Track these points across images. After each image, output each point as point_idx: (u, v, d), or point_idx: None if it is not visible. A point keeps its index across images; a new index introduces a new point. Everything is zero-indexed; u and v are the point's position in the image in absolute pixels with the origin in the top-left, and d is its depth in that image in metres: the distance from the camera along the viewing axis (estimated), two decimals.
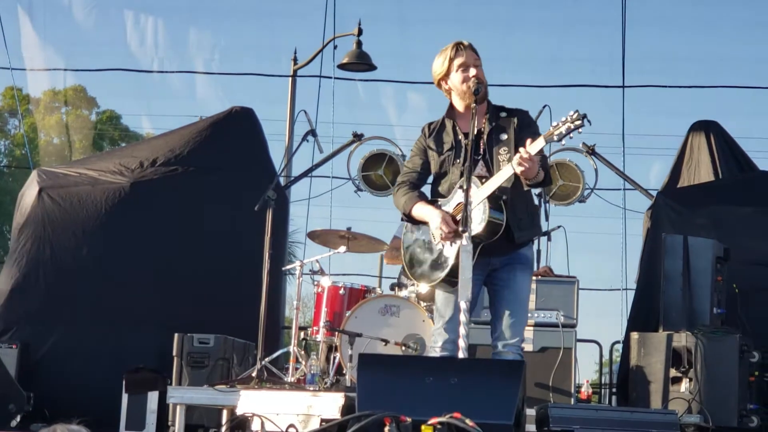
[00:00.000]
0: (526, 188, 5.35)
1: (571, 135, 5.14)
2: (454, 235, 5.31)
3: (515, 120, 5.51)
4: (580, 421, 5.07)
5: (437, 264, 5.46)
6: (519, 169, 5.14)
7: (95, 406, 7.32)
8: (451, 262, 5.35)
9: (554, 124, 5.18)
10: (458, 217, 5.32)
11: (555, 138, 5.15)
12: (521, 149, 5.16)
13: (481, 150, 5.47)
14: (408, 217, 5.63)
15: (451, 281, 5.36)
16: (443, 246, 5.43)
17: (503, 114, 5.55)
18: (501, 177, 5.27)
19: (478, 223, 5.26)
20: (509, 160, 5.33)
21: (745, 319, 7.50)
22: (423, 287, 7.44)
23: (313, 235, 8.08)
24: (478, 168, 5.43)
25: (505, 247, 5.42)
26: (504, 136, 5.45)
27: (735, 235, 8.00)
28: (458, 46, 5.53)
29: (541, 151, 5.29)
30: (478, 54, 5.56)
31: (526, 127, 5.49)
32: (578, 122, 5.09)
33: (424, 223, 5.55)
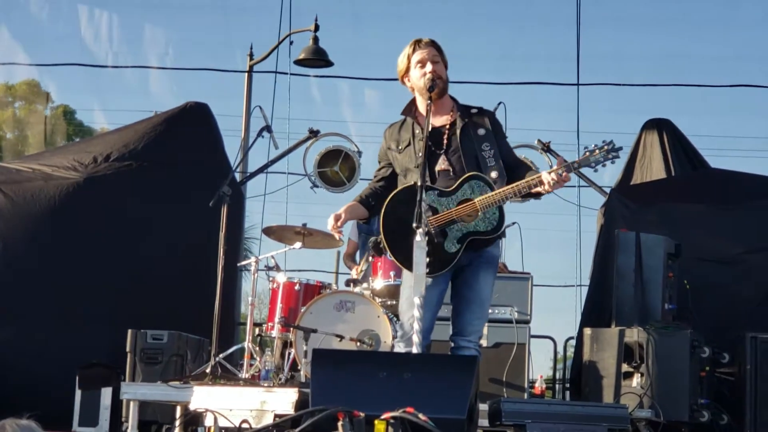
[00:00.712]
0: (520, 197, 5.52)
1: (605, 164, 5.31)
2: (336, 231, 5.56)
3: (488, 118, 5.58)
4: (532, 415, 5.11)
5: (437, 256, 5.34)
6: (552, 188, 5.28)
7: (48, 402, 7.27)
8: (457, 257, 5.36)
9: (589, 149, 5.31)
10: (460, 216, 5.36)
11: (592, 164, 5.30)
12: (560, 173, 5.24)
13: (444, 145, 5.50)
14: None
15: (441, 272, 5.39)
16: (443, 239, 5.39)
17: (473, 110, 5.60)
18: (527, 186, 5.32)
19: (496, 221, 5.36)
20: (494, 156, 5.43)
21: (696, 315, 7.59)
22: (378, 282, 7.47)
23: (268, 231, 8.08)
24: (440, 162, 5.46)
25: (476, 244, 5.45)
26: (482, 131, 5.50)
27: (686, 232, 8.10)
28: (417, 43, 5.57)
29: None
30: (440, 50, 5.59)
31: (498, 127, 5.62)
32: (614, 153, 5.28)
33: (407, 205, 5.40)
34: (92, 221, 8.60)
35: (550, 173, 5.27)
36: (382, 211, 5.54)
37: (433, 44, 5.58)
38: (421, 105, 5.58)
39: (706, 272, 8.07)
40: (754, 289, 8.10)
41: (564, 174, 5.24)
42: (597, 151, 5.26)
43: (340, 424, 4.05)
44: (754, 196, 8.49)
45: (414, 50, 5.55)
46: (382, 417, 4.10)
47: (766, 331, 7.32)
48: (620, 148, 5.25)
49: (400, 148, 5.60)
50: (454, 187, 5.42)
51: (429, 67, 5.50)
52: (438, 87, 5.47)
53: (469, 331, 5.49)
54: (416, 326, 5.02)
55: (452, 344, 5.53)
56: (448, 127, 5.53)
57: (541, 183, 5.28)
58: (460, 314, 5.53)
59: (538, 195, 5.51)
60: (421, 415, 4.12)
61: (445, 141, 5.50)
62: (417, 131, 5.53)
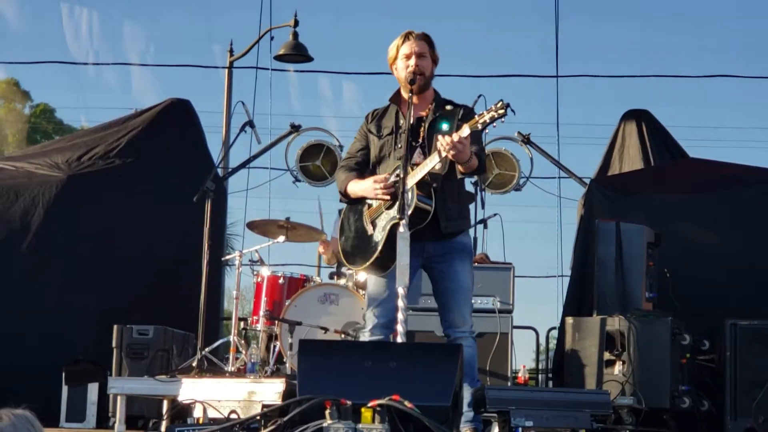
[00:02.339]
0: (459, 176, 5.44)
1: (494, 124, 5.28)
2: (390, 192, 5.41)
3: (460, 112, 5.61)
4: (516, 402, 5.16)
5: (367, 248, 5.54)
6: (449, 153, 5.24)
7: (35, 398, 7.23)
8: (379, 246, 5.45)
9: (479, 113, 5.31)
10: (386, 205, 5.47)
11: (479, 126, 5.29)
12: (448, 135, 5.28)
13: (420, 138, 5.57)
14: (345, 196, 5.70)
15: (381, 266, 5.46)
16: (373, 231, 5.52)
17: (449, 106, 5.66)
18: (430, 162, 5.37)
19: (409, 204, 5.32)
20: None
21: (677, 303, 7.66)
22: (362, 275, 7.53)
23: (252, 226, 8.13)
24: (416, 155, 5.51)
25: (437, 235, 5.50)
26: (446, 126, 5.55)
27: (666, 221, 8.17)
28: (407, 35, 5.63)
29: (478, 140, 5.42)
30: (431, 45, 5.65)
31: (468, 120, 5.53)
32: (501, 111, 5.22)
33: (359, 202, 5.64)
34: (77, 218, 8.62)
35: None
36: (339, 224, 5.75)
37: (424, 38, 5.64)
38: (405, 95, 5.65)
39: (685, 260, 8.13)
40: (733, 276, 8.17)
41: (453, 137, 5.22)
42: (484, 113, 5.26)
43: (327, 412, 4.11)
44: (731, 185, 8.57)
45: (404, 41, 5.62)
46: (369, 405, 4.16)
47: (746, 318, 7.40)
48: (508, 105, 5.19)
49: (381, 134, 5.67)
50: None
51: (413, 61, 5.57)
52: (418, 82, 5.54)
53: (461, 322, 5.54)
54: (400, 316, 5.09)
55: (447, 338, 5.57)
56: (424, 120, 5.61)
57: (438, 152, 5.32)
58: (447, 308, 5.57)
59: (468, 172, 5.45)
60: (407, 403, 4.18)
61: (421, 134, 5.58)
62: (402, 122, 5.60)
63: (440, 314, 5.63)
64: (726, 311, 7.65)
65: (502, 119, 5.24)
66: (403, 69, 5.60)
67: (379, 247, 5.44)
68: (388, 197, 5.45)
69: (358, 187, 5.62)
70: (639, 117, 9.47)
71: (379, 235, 5.48)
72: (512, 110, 5.21)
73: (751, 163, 9.05)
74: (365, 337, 5.58)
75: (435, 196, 5.44)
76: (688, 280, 8.01)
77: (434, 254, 5.54)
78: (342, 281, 7.85)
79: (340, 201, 5.81)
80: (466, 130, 5.27)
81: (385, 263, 5.44)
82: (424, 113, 5.62)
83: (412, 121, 5.49)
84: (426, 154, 5.49)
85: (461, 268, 5.58)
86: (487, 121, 5.25)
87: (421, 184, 5.38)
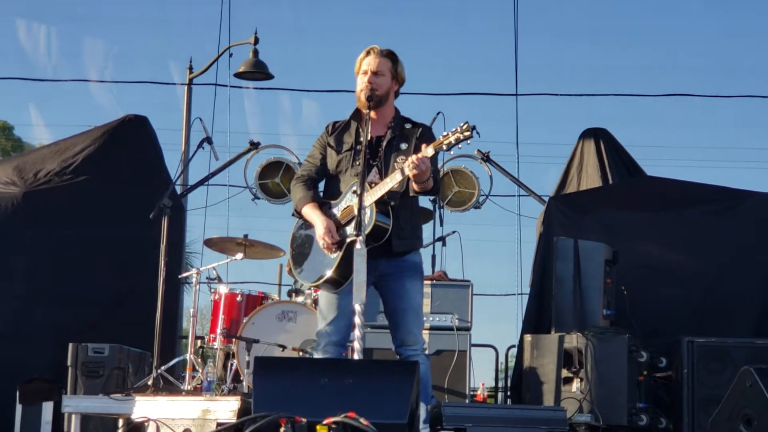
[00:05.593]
0: (413, 194, 5.44)
1: (460, 146, 5.28)
2: (335, 248, 5.43)
3: (418, 132, 5.61)
4: (473, 419, 5.18)
5: (321, 264, 5.52)
6: (412, 172, 5.23)
7: None
8: (334, 263, 5.43)
9: (444, 134, 5.31)
10: (343, 222, 5.45)
11: (444, 147, 5.29)
12: (414, 155, 5.28)
13: (378, 157, 5.56)
14: (298, 214, 5.71)
15: (334, 282, 5.45)
16: None
17: (408, 125, 5.66)
18: (391, 181, 5.36)
19: (369, 221, 5.34)
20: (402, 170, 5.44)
21: (634, 320, 7.69)
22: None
23: (210, 243, 8.09)
24: (372, 174, 5.51)
25: (389, 254, 5.50)
26: (404, 146, 5.55)
27: (623, 239, 8.21)
28: (369, 51, 5.64)
29: (434, 162, 5.42)
30: (394, 61, 5.64)
31: (426, 140, 5.55)
32: (467, 133, 5.22)
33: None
34: (32, 235, 8.53)
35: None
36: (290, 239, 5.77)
37: (388, 55, 5.64)
38: (361, 109, 5.65)
39: (642, 278, 8.17)
40: (690, 293, 8.22)
41: (420, 156, 5.25)
42: (449, 134, 5.26)
43: (282, 430, 4.08)
44: (688, 203, 8.62)
45: (365, 57, 5.63)
46: (324, 422, 4.13)
47: (702, 336, 7.45)
48: (473, 128, 5.19)
49: (340, 149, 5.66)
50: (340, 197, 5.57)
51: (366, 78, 5.57)
52: (373, 99, 5.53)
53: (412, 341, 5.56)
54: (357, 333, 5.08)
55: (399, 356, 5.58)
56: (382, 138, 5.61)
57: (401, 171, 5.32)
58: (397, 326, 5.59)
59: (422, 191, 5.46)
60: (362, 420, 4.16)
61: (379, 153, 5.58)
62: (361, 139, 5.60)
63: (391, 332, 5.64)
64: (683, 329, 7.70)
65: (468, 141, 5.25)
66: (359, 84, 5.61)
67: (335, 264, 5.43)
68: (328, 251, 5.47)
69: (311, 216, 5.60)
70: (597, 135, 9.52)
71: (334, 252, 5.47)
72: (477, 132, 5.21)
73: (707, 181, 9.13)
74: (318, 354, 5.56)
75: (391, 215, 5.44)
76: (646, 297, 8.05)
77: (385, 272, 5.54)
78: (300, 299, 7.82)
79: (293, 215, 5.79)
80: (430, 150, 5.28)
81: (339, 280, 5.44)
82: (382, 133, 5.62)
83: (369, 138, 5.49)
84: (382, 173, 5.50)
85: (411, 287, 5.58)
86: (452, 142, 5.25)
87: (379, 202, 5.38)
